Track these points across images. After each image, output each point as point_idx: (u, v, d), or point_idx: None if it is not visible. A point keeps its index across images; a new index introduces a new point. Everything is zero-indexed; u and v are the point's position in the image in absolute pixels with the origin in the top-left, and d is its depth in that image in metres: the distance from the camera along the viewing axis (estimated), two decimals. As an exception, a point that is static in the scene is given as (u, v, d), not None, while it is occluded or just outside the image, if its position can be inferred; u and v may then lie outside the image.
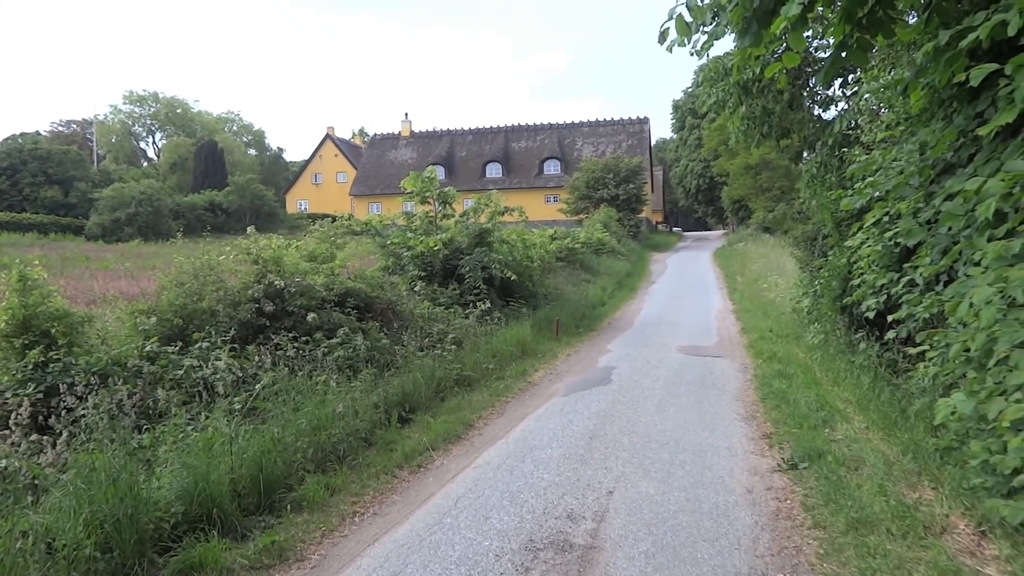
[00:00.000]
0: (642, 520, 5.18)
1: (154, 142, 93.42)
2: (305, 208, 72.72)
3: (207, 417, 6.43)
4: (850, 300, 8.81)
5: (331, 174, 74.86)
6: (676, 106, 73.27)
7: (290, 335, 8.99)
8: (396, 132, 69.50)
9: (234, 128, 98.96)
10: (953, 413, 4.63)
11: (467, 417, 8.48)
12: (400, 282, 13.73)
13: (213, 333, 8.25)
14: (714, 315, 18.12)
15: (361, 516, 5.59)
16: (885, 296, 7.68)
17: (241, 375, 7.83)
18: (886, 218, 7.41)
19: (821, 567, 4.38)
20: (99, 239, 47.64)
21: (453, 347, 11.12)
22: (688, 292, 23.58)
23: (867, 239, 7.78)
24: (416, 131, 69.09)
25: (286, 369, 8.25)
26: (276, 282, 9.34)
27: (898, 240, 7.01)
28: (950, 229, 5.62)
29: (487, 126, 67.14)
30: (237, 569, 4.66)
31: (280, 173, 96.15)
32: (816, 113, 10.95)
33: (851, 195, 7.05)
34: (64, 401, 6.23)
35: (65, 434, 5.78)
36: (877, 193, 6.90)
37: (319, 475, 6.19)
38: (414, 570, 4.57)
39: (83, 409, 6.09)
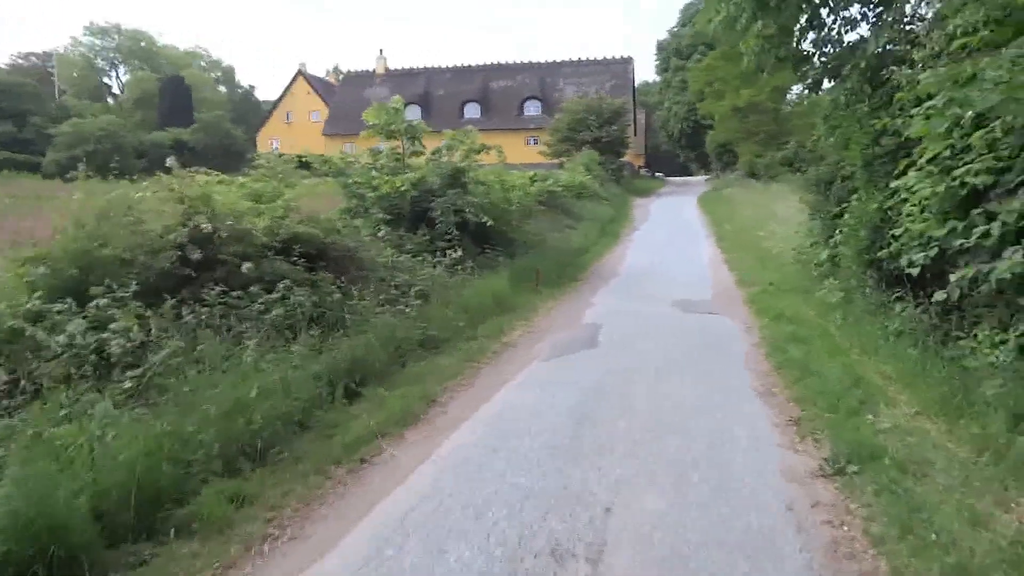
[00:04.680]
0: (653, 559, 3.79)
1: (117, 77, 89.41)
2: (276, 148, 69.95)
3: (80, 400, 4.95)
4: (885, 253, 7.43)
5: (304, 113, 71.83)
6: (661, 47, 70.86)
7: (218, 289, 7.47)
8: (371, 69, 66.66)
9: (202, 64, 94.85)
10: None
11: (430, 389, 7.05)
12: (362, 226, 12.21)
13: (115, 287, 6.67)
14: (705, 264, 16.79)
15: (273, 542, 4.15)
16: (936, 249, 6.30)
17: (148, 340, 6.32)
18: (947, 152, 5.96)
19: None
20: (56, 177, 45.35)
21: (418, 302, 9.66)
22: (675, 239, 22.18)
23: (918, 180, 6.33)
24: (392, 68, 66.32)
25: (209, 332, 6.79)
26: (203, 225, 7.77)
27: (965, 180, 5.60)
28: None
29: (466, 64, 64.54)
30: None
31: (251, 112, 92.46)
32: (836, 34, 9.37)
33: (920, 118, 5.61)
34: None
35: None
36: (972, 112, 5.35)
37: (226, 479, 4.73)
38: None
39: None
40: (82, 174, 7.98)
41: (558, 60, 62.48)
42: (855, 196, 9.09)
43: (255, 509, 4.46)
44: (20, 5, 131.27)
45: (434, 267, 11.46)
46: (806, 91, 10.75)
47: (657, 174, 72.08)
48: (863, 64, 8.34)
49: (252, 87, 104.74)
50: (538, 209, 20.64)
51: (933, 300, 6.57)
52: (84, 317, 6.35)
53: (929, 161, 6.12)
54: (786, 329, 9.09)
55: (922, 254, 6.40)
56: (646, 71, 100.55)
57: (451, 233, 12.66)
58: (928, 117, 5.46)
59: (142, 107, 74.09)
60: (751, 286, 12.90)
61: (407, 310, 9.23)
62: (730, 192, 35.52)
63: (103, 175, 13.34)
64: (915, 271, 6.59)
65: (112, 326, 6.09)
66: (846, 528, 4.10)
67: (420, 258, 11.71)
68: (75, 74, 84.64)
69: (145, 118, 70.87)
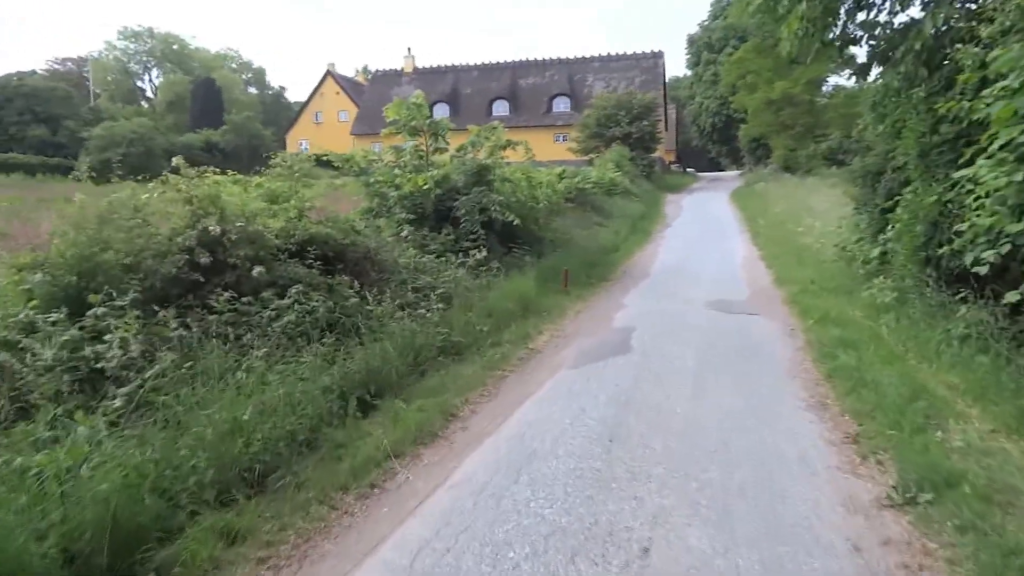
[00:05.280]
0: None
1: (150, 80, 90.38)
2: (306, 148, 70.07)
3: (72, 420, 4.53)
4: (947, 250, 6.77)
5: (333, 113, 71.85)
6: (691, 40, 69.69)
7: (227, 295, 7.04)
8: (399, 68, 66.42)
9: (233, 66, 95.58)
10: None
11: (450, 402, 6.55)
12: (384, 227, 11.77)
13: (115, 294, 6.24)
14: (740, 262, 16.07)
15: (266, 587, 3.69)
16: (1008, 246, 5.65)
17: (149, 352, 5.89)
18: (1022, 138, 5.31)
19: None
20: (89, 180, 45.58)
21: (440, 305, 9.18)
22: (708, 236, 21.46)
23: (989, 169, 5.67)
24: (420, 67, 66.00)
25: (216, 341, 6.36)
26: (212, 227, 7.36)
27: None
28: None
29: (493, 61, 64.02)
30: None
31: (282, 112, 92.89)
32: (888, 14, 8.69)
33: (999, 99, 4.97)
34: None
35: None
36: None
37: (219, 511, 4.26)
38: None
39: None
40: (126, 184, 7.60)
41: (587, 56, 61.64)
42: (909, 188, 8.41)
43: (247, 547, 3.98)
44: (58, 10, 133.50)
45: (458, 268, 10.97)
46: (852, 78, 10.05)
47: (688, 169, 71.07)
48: (918, 45, 7.65)
49: (283, 88, 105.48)
50: (566, 207, 20.09)
51: (1003, 301, 5.92)
52: (81, 328, 5.97)
53: (1002, 147, 5.47)
54: (833, 332, 8.44)
55: (992, 251, 5.75)
56: (676, 66, 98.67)
57: (476, 232, 12.18)
58: (1007, 97, 4.82)
59: (175, 109, 74.72)
60: (790, 285, 12.22)
61: (428, 315, 8.75)
62: (764, 187, 34.58)
63: (135, 177, 13.08)
64: (982, 270, 5.94)
65: (107, 337, 5.68)
66: (926, 574, 3.51)
67: (444, 259, 11.24)
68: (109, 78, 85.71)
69: (177, 120, 71.42)
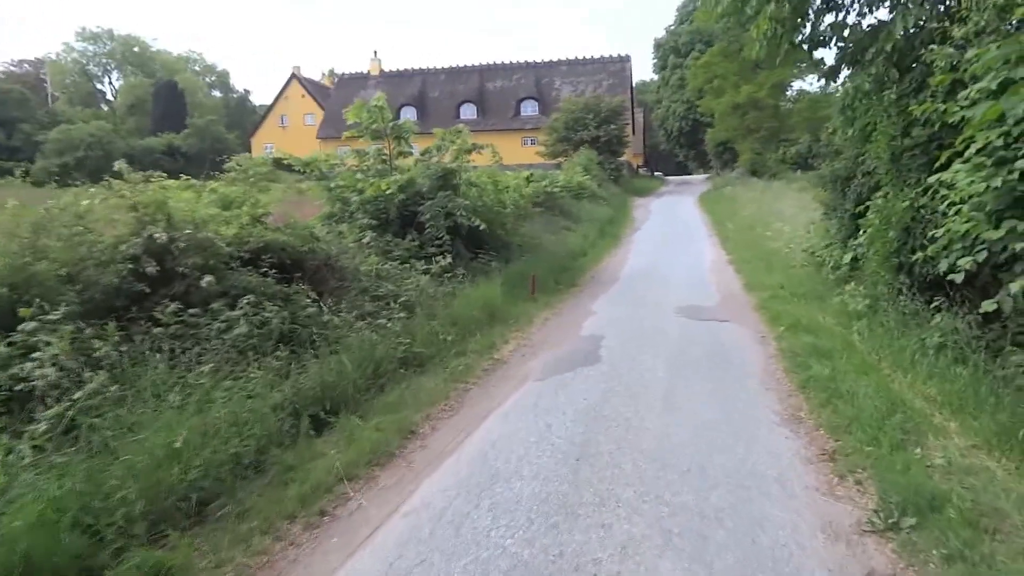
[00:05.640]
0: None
1: (111, 83, 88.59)
2: (271, 152, 69.04)
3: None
4: (920, 256, 6.60)
5: (298, 116, 70.88)
6: (658, 45, 70.03)
7: (173, 306, 6.63)
8: (365, 71, 65.81)
9: (196, 68, 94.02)
10: None
11: (409, 418, 6.22)
12: (347, 232, 11.39)
13: (47, 307, 5.81)
14: (709, 267, 15.93)
15: (195, 637, 3.34)
16: (985, 253, 5.47)
17: (81, 369, 5.48)
18: (999, 141, 5.13)
19: None
20: (45, 185, 44.51)
21: (403, 314, 8.84)
22: (677, 240, 21.36)
23: (967, 173, 5.48)
24: (386, 70, 65.45)
25: (161, 356, 5.97)
26: (157, 235, 6.96)
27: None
28: None
29: (461, 65, 63.71)
30: None
31: (247, 116, 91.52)
32: (857, 15, 8.55)
33: (981, 101, 4.78)
34: None
35: None
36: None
37: (149, 547, 3.88)
38: None
39: None
40: (83, 189, 7.17)
41: (555, 59, 61.60)
42: (880, 193, 8.26)
43: (180, 588, 3.62)
44: (16, 10, 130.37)
45: (423, 274, 10.63)
46: (821, 80, 9.90)
47: (656, 173, 71.36)
48: (889, 47, 7.50)
49: (247, 91, 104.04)
50: (534, 211, 19.82)
51: (979, 310, 5.75)
52: (10, 343, 5.54)
53: (979, 151, 5.29)
54: (804, 340, 8.25)
55: (968, 258, 5.56)
56: (644, 70, 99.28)
57: (441, 238, 11.84)
58: (991, 98, 4.62)
59: (136, 113, 73.31)
60: (760, 290, 12.06)
61: (389, 324, 8.41)
62: (731, 191, 34.73)
63: (95, 181, 12.57)
64: (958, 278, 5.75)
65: (35, 355, 5.26)
66: (914, 613, 3.27)
67: (407, 265, 10.90)
68: (68, 80, 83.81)
69: (139, 124, 70.05)
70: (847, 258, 9.60)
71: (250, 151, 67.01)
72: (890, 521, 4.03)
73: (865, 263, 8.68)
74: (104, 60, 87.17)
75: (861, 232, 8.86)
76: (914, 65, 7.38)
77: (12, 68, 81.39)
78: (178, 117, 66.13)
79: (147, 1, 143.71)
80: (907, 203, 7.13)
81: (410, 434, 5.96)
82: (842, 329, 8.44)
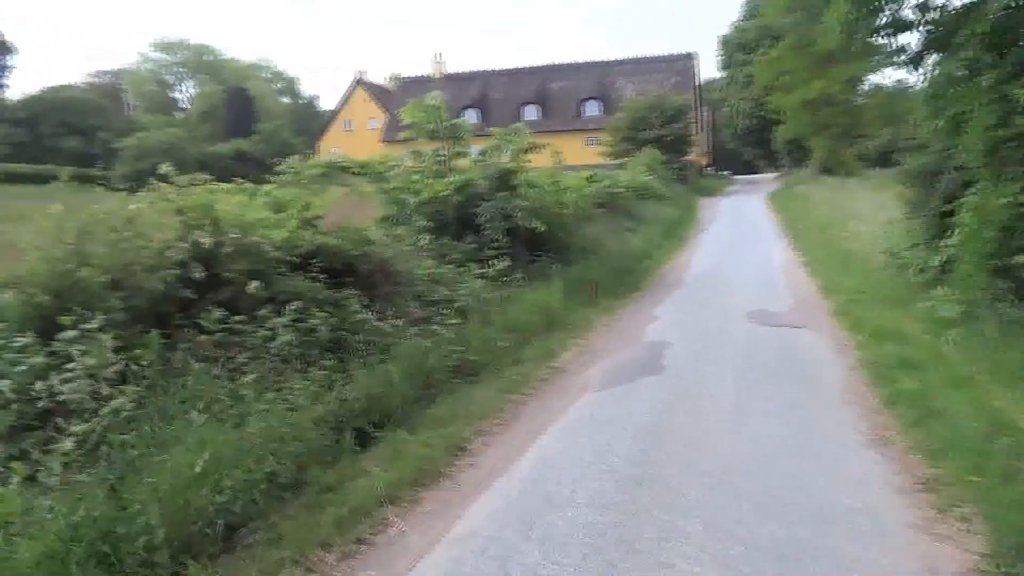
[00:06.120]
0: None
1: (185, 91, 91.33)
2: (336, 156, 70.11)
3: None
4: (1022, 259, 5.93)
5: (362, 120, 71.88)
6: (724, 42, 68.42)
7: (219, 313, 6.42)
8: (428, 75, 66.24)
9: (267, 75, 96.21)
10: None
11: (459, 432, 5.86)
12: (404, 235, 11.14)
13: (88, 315, 5.63)
14: (780, 269, 15.18)
15: None
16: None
17: (119, 380, 5.27)
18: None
19: None
20: (123, 190, 45.93)
21: (456, 320, 8.51)
22: (746, 241, 20.57)
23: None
24: (449, 73, 65.74)
25: (204, 366, 5.75)
26: (203, 240, 6.76)
27: None
28: None
29: (523, 66, 63.55)
30: None
31: (314, 121, 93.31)
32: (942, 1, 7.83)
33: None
34: None
35: None
36: None
37: (170, 580, 3.60)
38: None
39: None
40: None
41: (618, 59, 60.92)
42: (973, 189, 7.54)
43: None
44: (96, 26, 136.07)
45: (476, 279, 10.28)
46: (906, 67, 9.14)
47: (724, 172, 69.85)
48: (985, 28, 6.79)
49: (315, 97, 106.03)
50: (596, 212, 19.31)
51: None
52: (51, 353, 5.38)
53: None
54: (889, 349, 7.58)
55: (1086, 261, 4.91)
56: (708, 68, 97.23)
57: (499, 240, 11.49)
58: None
59: (209, 119, 75.28)
60: (836, 294, 11.34)
61: (442, 331, 8.07)
62: (803, 189, 33.42)
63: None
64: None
65: (70, 365, 5.07)
66: None
67: (464, 268, 10.57)
68: (144, 89, 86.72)
69: (212, 130, 71.96)
70: (935, 260, 8.84)
71: (318, 155, 68.25)
72: (1005, 570, 3.46)
73: (958, 266, 7.95)
74: (178, 69, 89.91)
75: (950, 232, 8.13)
76: (1013, 47, 6.67)
77: (94, 79, 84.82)
78: (248, 123, 67.69)
79: (220, 13, 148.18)
80: (1007, 200, 6.44)
81: (459, 451, 5.59)
82: (931, 338, 7.73)
